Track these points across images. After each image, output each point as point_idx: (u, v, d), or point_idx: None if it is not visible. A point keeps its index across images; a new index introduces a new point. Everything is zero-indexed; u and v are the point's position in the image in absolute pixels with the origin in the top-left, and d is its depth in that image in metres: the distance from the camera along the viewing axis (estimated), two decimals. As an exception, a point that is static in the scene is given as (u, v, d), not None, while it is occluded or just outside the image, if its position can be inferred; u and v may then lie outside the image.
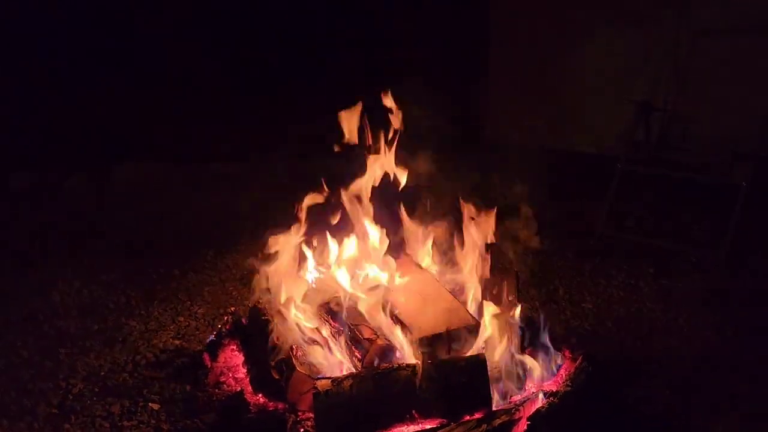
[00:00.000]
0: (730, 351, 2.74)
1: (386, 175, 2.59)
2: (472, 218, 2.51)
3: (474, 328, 2.22)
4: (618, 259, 3.78)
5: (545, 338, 2.46)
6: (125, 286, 3.39)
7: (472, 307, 2.38)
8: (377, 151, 2.56)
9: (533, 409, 2.03)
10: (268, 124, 5.77)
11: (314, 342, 2.33)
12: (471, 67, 5.89)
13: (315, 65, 5.87)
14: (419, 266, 2.58)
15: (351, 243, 2.58)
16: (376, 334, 2.23)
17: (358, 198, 2.56)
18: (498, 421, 1.96)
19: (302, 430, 2.09)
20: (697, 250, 3.82)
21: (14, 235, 4.18)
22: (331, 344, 2.30)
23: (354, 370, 2.19)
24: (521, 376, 2.30)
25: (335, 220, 2.56)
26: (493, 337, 2.32)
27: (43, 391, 2.40)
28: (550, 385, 2.29)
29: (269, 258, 2.51)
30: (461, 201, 2.53)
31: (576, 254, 3.88)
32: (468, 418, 2.03)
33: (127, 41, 5.68)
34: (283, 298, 2.42)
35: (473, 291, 2.45)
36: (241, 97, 5.98)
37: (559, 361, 2.41)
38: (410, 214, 2.68)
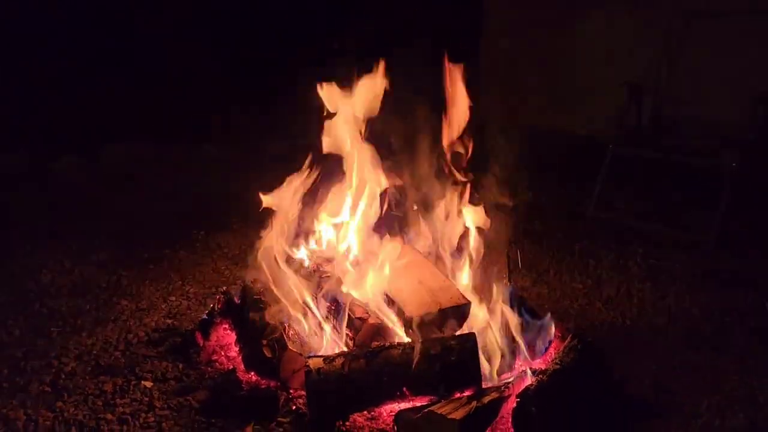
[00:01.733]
0: (717, 330, 2.78)
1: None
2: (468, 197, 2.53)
3: (465, 307, 2.24)
4: (608, 241, 3.81)
5: (535, 317, 2.49)
6: (116, 266, 3.39)
7: (463, 287, 2.40)
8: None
9: (522, 387, 2.05)
10: (261, 105, 5.75)
11: (306, 320, 2.35)
12: (462, 48, 5.86)
13: (309, 52, 5.85)
14: (410, 245, 2.59)
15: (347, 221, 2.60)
16: (368, 313, 2.25)
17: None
18: (487, 399, 1.98)
19: (294, 407, 2.12)
20: (686, 232, 3.85)
21: (4, 216, 4.15)
22: (324, 323, 2.32)
23: (346, 349, 2.21)
24: (511, 354, 2.33)
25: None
26: (484, 316, 2.35)
27: (35, 369, 2.40)
28: (540, 364, 2.32)
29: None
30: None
31: (566, 235, 3.91)
32: (458, 395, 2.05)
33: (120, 26, 5.63)
34: (276, 276, 2.44)
35: (465, 271, 2.47)
36: (234, 79, 5.95)
37: (548, 340, 2.44)
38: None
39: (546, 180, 4.86)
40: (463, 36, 5.87)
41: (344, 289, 2.34)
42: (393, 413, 2.03)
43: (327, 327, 2.32)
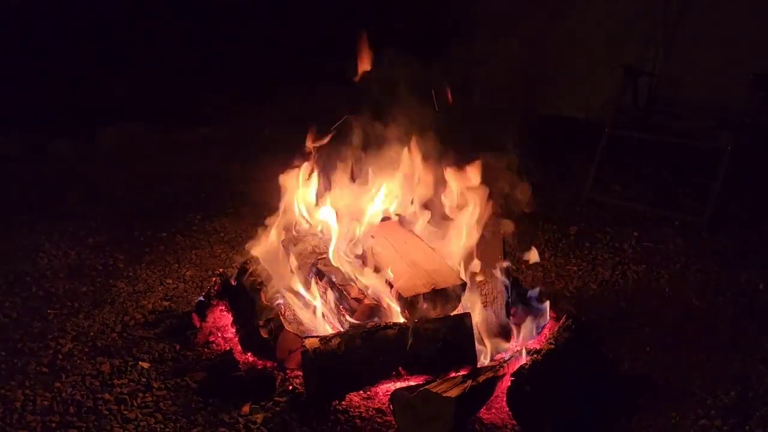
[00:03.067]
0: (710, 311, 2.80)
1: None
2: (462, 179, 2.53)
3: (461, 288, 2.25)
4: (603, 223, 3.82)
5: (530, 298, 2.51)
6: (112, 249, 3.39)
7: (459, 268, 2.41)
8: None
9: (517, 366, 2.07)
10: (257, 88, 5.74)
11: (303, 301, 2.36)
12: (458, 30, 5.84)
13: (302, 33, 5.83)
14: (406, 227, 2.59)
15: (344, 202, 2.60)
16: (363, 293, 2.26)
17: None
18: (483, 378, 2.00)
19: (291, 387, 2.14)
20: (681, 214, 3.87)
21: (0, 198, 4.14)
22: (320, 304, 2.33)
23: (342, 329, 2.23)
24: (506, 334, 2.35)
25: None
26: (480, 296, 2.36)
27: (33, 350, 2.41)
28: (534, 344, 2.34)
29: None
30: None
31: (562, 217, 3.92)
32: (454, 374, 2.07)
33: (116, 9, 5.59)
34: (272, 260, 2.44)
35: (461, 251, 2.47)
36: (231, 61, 5.93)
37: (543, 321, 2.46)
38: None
39: (542, 162, 4.87)
40: (458, 21, 5.84)
41: (339, 269, 2.35)
42: (389, 392, 2.05)
43: (323, 308, 2.33)
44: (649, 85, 4.34)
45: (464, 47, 5.86)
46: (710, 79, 4.11)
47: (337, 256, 2.41)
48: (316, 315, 2.35)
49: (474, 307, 2.32)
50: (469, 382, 1.95)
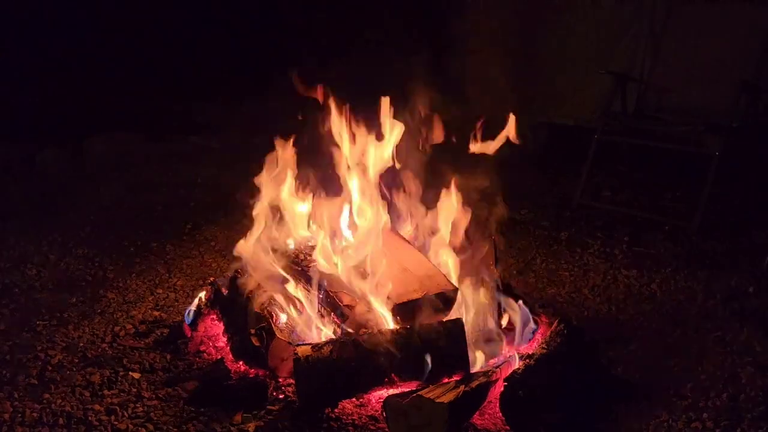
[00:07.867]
0: (702, 314, 2.81)
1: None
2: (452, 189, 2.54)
3: (452, 294, 2.25)
4: (594, 228, 3.84)
5: (522, 304, 2.51)
6: (102, 259, 3.37)
7: (450, 273, 2.41)
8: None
9: (510, 371, 2.07)
10: (248, 97, 5.74)
11: (295, 309, 2.35)
12: (447, 38, 5.86)
13: (287, 40, 5.85)
14: (397, 233, 2.59)
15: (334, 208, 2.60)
16: (355, 300, 2.25)
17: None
18: (475, 383, 2.00)
19: (283, 395, 2.13)
20: (671, 219, 3.89)
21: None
22: (311, 311, 2.32)
23: (333, 336, 2.22)
24: (498, 340, 2.35)
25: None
26: (472, 302, 2.36)
27: (21, 362, 2.38)
28: (526, 349, 2.34)
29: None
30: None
31: (553, 223, 3.94)
32: (446, 380, 2.07)
33: (104, 18, 5.59)
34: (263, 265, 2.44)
35: (452, 257, 2.47)
36: (221, 70, 5.93)
37: (535, 326, 2.46)
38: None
39: (533, 169, 4.89)
40: (447, 29, 5.87)
41: (331, 276, 2.34)
42: (381, 399, 2.04)
43: (315, 315, 2.32)
44: (638, 92, 4.38)
45: (456, 57, 5.88)
46: (697, 85, 4.15)
47: (329, 262, 2.40)
48: (308, 322, 2.33)
49: (466, 313, 2.32)
50: (462, 388, 1.95)
